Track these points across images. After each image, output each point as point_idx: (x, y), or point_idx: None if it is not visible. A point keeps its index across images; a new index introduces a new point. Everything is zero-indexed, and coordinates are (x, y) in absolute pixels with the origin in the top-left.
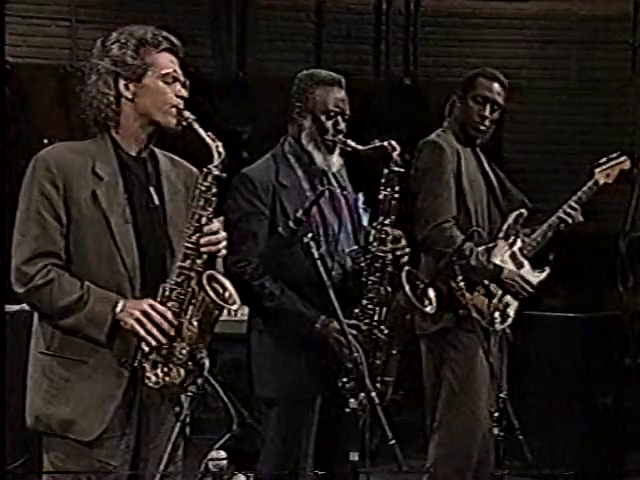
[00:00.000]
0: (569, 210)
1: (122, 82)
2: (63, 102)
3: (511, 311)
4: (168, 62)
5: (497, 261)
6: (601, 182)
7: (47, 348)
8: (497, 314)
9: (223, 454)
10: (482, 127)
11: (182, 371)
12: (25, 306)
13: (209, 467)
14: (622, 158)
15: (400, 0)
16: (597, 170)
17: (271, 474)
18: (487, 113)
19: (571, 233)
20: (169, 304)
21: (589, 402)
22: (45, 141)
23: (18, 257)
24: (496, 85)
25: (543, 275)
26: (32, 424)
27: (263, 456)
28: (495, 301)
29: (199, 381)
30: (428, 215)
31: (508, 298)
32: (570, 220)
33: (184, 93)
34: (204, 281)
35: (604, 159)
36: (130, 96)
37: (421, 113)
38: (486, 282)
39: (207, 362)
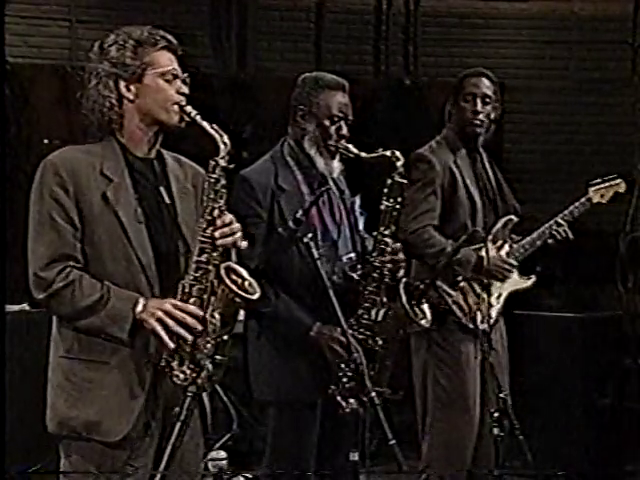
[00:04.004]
0: (560, 222)
1: (122, 84)
2: (63, 102)
3: (494, 312)
4: (167, 60)
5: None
6: (594, 200)
7: (68, 352)
8: (480, 314)
9: (223, 454)
10: (477, 122)
11: (209, 365)
12: (25, 306)
13: (209, 467)
14: (618, 180)
15: (400, 0)
16: (592, 189)
17: (271, 475)
18: (479, 107)
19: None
20: (190, 300)
21: (589, 402)
22: (45, 141)
23: (35, 263)
24: (483, 79)
25: (529, 283)
26: (55, 428)
27: (265, 458)
28: (478, 301)
29: (199, 381)
30: (407, 222)
31: (492, 299)
32: (559, 235)
33: (185, 90)
34: (223, 273)
35: (600, 179)
36: (132, 97)
37: (421, 113)
38: (471, 277)
39: (207, 363)
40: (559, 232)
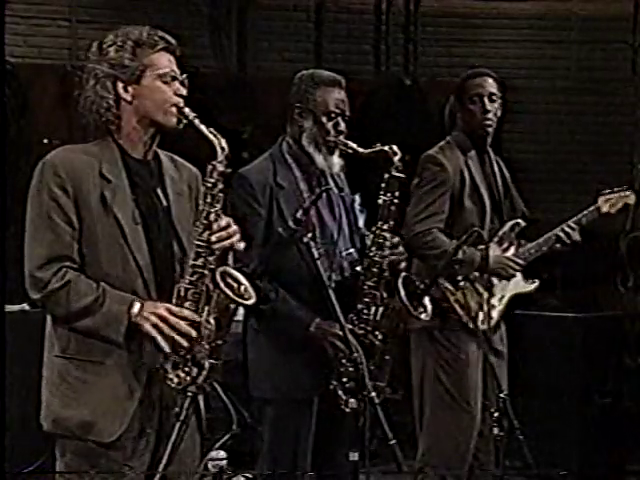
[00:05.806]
0: (567, 230)
1: (120, 85)
2: (63, 102)
3: (495, 313)
4: (165, 61)
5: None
6: (603, 210)
7: (63, 351)
8: (481, 314)
9: (223, 454)
10: (488, 122)
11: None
12: (25, 306)
13: (209, 467)
14: (628, 192)
15: (400, 0)
16: (601, 198)
17: (270, 474)
18: (488, 107)
19: None
20: (186, 304)
21: (589, 402)
22: (45, 141)
23: (32, 263)
24: (487, 78)
25: (532, 287)
26: (50, 427)
27: (262, 457)
28: (481, 301)
29: (199, 381)
30: (413, 223)
31: (494, 300)
32: (567, 240)
33: (183, 91)
34: (218, 278)
35: (610, 190)
36: (129, 98)
37: (421, 113)
38: (474, 276)
39: (207, 363)
40: (568, 234)
